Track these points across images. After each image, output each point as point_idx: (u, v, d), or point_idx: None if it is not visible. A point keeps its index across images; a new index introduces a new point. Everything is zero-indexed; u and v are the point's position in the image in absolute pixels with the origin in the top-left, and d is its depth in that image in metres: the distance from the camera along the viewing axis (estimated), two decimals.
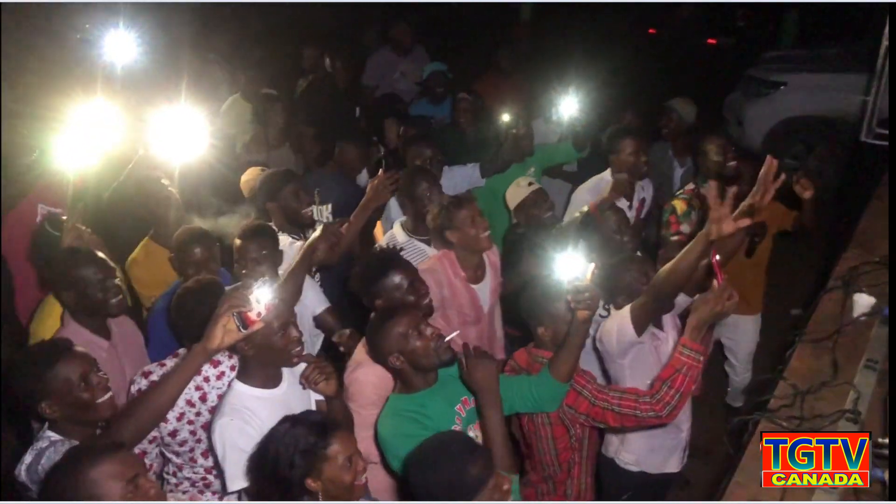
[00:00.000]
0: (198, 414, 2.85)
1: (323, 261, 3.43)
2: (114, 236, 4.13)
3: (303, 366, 2.69)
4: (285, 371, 2.70)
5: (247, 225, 3.42)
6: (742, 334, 4.47)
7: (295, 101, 5.74)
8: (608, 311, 3.28)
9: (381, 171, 3.79)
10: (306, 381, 2.65)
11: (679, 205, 4.22)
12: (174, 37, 6.14)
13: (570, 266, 2.67)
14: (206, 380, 2.86)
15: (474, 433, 2.69)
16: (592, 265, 2.69)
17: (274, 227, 3.57)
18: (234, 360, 2.88)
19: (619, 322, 3.05)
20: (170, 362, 2.90)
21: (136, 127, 4.04)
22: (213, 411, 2.79)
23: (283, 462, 2.11)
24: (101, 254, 3.09)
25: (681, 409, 2.71)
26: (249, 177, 4.10)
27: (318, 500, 2.13)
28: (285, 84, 6.36)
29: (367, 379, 2.87)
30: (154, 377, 2.84)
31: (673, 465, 3.32)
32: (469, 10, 14.21)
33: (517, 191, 4.25)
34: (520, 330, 3.47)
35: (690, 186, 4.34)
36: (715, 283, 2.62)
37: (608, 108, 5.49)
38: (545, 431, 2.96)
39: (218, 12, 7.94)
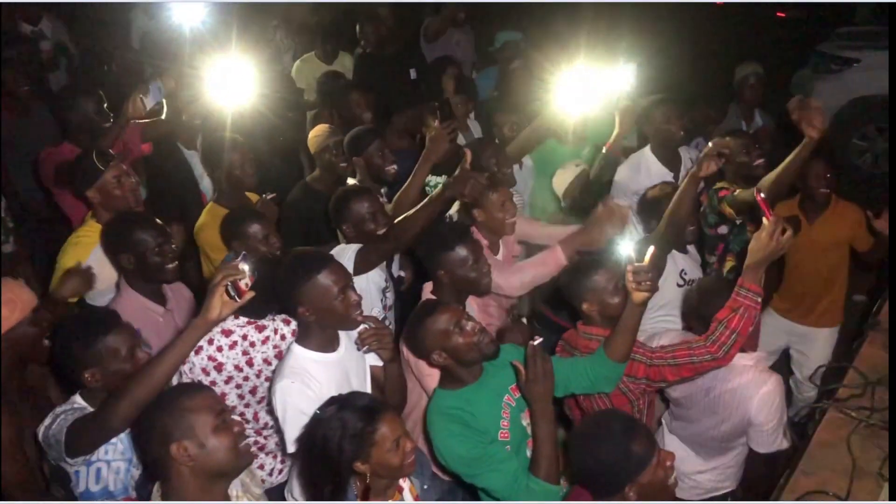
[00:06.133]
0: (245, 378, 2.86)
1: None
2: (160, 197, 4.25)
3: (359, 330, 2.69)
4: (342, 335, 2.71)
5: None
6: (815, 348, 4.07)
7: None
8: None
9: (435, 121, 3.77)
10: (361, 342, 2.65)
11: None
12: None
13: (627, 247, 2.58)
14: (252, 345, 2.85)
15: (525, 421, 2.65)
16: (652, 248, 2.62)
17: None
18: (279, 326, 2.91)
19: None
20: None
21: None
22: (259, 375, 2.86)
23: (331, 447, 2.08)
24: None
25: (737, 350, 2.64)
26: (318, 133, 4.05)
27: (366, 481, 2.12)
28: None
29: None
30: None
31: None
32: None
33: (563, 175, 4.13)
34: (566, 318, 3.33)
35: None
36: (765, 220, 2.55)
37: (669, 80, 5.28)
38: (603, 403, 2.90)
39: None
